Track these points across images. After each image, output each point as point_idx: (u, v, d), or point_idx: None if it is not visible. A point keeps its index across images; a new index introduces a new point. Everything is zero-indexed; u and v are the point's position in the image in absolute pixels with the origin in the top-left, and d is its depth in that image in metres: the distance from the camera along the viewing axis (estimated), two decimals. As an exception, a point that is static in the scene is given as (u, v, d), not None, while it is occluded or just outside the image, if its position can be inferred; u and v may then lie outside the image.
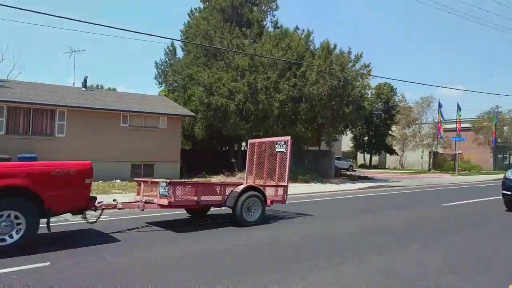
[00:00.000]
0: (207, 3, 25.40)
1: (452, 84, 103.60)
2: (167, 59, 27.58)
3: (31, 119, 17.07)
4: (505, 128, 36.63)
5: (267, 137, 20.13)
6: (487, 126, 34.40)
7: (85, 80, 21.84)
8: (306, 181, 17.47)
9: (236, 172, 18.76)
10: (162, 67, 27.09)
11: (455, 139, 28.46)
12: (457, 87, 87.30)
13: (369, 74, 19.34)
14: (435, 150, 32.49)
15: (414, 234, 6.75)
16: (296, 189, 14.75)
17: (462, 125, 29.57)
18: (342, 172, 23.94)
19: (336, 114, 18.15)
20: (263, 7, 25.78)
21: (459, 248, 5.70)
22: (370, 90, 24.11)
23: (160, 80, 27.38)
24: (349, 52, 19.25)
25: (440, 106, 28.56)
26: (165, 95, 26.89)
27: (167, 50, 27.44)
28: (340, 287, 3.81)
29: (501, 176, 11.73)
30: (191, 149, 25.33)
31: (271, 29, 23.76)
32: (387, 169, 39.60)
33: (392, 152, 39.82)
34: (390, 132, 38.75)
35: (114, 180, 17.56)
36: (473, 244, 6.02)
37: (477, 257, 5.13)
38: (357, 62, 19.23)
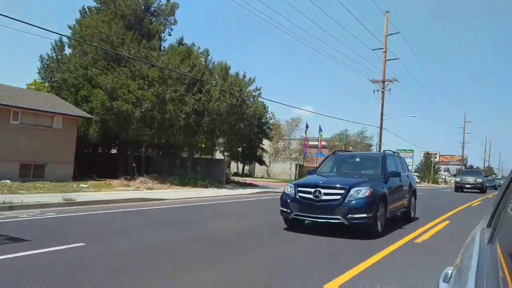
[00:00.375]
0: (106, 6, 25.29)
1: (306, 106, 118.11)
2: (53, 55, 26.17)
3: None
4: (350, 148, 44.77)
5: (169, 143, 21.48)
6: (339, 146, 41.71)
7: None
8: (205, 186, 19.43)
9: (136, 176, 19.51)
10: (48, 62, 25.61)
11: (317, 155, 34.06)
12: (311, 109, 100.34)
13: (260, 96, 22.51)
14: (301, 163, 37.95)
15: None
16: (201, 193, 16.61)
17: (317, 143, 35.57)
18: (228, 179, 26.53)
19: (233, 128, 20.66)
20: (161, 20, 26.94)
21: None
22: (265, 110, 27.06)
23: (44, 75, 25.78)
24: (244, 76, 22.08)
25: (307, 127, 33.92)
26: (47, 91, 25.47)
27: (54, 45, 26.07)
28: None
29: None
30: (85, 151, 24.62)
31: (171, 42, 25.14)
32: (257, 177, 43.99)
33: (262, 162, 44.41)
34: (261, 145, 43.28)
35: (2, 181, 16.49)
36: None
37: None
38: (250, 85, 22.19)
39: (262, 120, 44.01)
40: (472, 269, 1.17)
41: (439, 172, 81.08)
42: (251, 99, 22.05)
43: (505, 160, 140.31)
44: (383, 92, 46.32)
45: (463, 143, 75.93)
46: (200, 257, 5.44)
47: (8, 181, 16.62)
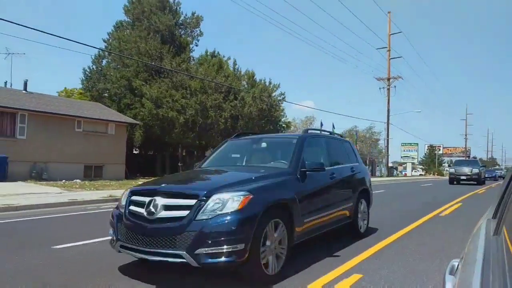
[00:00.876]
0: (139, 21, 28.04)
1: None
2: (94, 67, 28.95)
3: (-4, 121, 17.74)
4: (358, 144, 47.40)
5: (209, 145, 24.17)
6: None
7: (26, 84, 22.36)
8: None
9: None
10: (90, 74, 28.38)
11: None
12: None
13: (284, 100, 25.25)
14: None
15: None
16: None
17: None
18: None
19: (263, 130, 23.40)
20: (188, 31, 29.69)
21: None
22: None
23: (87, 86, 28.55)
24: (270, 82, 24.80)
25: (321, 125, 36.52)
26: (90, 100, 28.24)
27: (94, 58, 28.86)
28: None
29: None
30: (134, 153, 27.41)
31: (200, 53, 27.91)
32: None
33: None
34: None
35: (74, 180, 19.28)
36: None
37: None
38: (275, 91, 24.92)
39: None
40: (478, 261, 1.14)
41: (443, 164, 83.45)
42: (278, 103, 24.78)
43: (508, 151, 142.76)
44: (388, 89, 49.06)
45: (466, 135, 78.61)
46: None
47: (78, 180, 19.42)
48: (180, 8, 29.46)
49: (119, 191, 12.94)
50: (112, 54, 27.52)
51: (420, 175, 73.15)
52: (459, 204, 12.17)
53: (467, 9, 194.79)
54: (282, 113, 25.90)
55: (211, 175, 4.97)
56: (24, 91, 22.17)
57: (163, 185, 4.01)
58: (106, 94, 27.42)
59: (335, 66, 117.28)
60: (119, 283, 3.66)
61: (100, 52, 28.89)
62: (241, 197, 3.50)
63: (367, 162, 50.70)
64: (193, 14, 29.64)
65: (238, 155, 5.89)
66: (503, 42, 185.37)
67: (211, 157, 5.91)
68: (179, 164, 23.60)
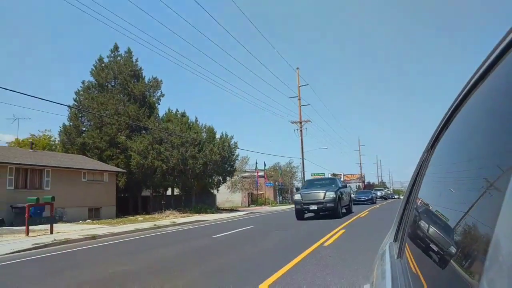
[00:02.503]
0: (111, 85, 33.49)
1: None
2: (70, 123, 33.21)
3: (28, 177, 21.98)
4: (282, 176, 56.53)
5: (188, 187, 30.26)
6: (275, 175, 53.07)
7: (32, 144, 26.42)
8: (212, 212, 28.72)
9: (165, 211, 28.08)
10: (70, 130, 32.60)
11: (267, 184, 44.71)
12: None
13: (237, 147, 32.75)
14: (253, 191, 48.24)
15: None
16: (214, 216, 26.01)
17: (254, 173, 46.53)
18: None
19: (224, 170, 30.48)
20: (152, 93, 35.87)
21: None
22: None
23: (68, 140, 32.57)
24: (226, 134, 32.20)
25: (256, 163, 44.55)
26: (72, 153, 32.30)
27: (71, 116, 33.20)
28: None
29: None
30: (120, 196, 31.79)
31: (164, 111, 34.20)
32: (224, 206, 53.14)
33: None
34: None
35: (86, 220, 23.96)
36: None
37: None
38: (231, 141, 32.34)
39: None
40: (387, 286, 1.18)
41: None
42: (233, 150, 32.22)
43: (394, 174, 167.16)
44: (301, 130, 59.46)
45: (360, 163, 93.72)
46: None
47: (89, 220, 24.16)
48: (143, 73, 35.69)
49: (154, 223, 19.12)
50: (89, 112, 32.38)
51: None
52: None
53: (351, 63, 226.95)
54: (236, 157, 33.27)
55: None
56: (31, 150, 26.18)
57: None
58: (85, 149, 31.93)
59: (258, 112, 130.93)
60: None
61: (74, 110, 33.41)
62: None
63: (289, 191, 59.95)
64: (154, 78, 36.00)
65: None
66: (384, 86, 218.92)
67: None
68: (162, 202, 29.32)
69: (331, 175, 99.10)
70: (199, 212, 28.31)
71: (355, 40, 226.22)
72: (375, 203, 38.79)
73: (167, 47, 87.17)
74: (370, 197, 39.05)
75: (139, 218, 25.22)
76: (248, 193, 47.59)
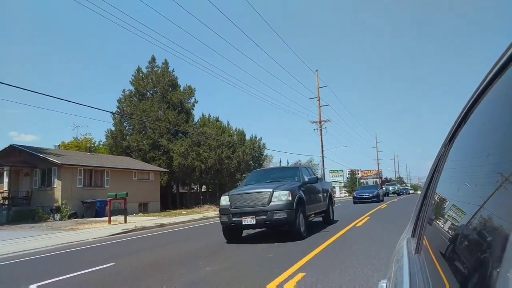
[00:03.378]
0: (150, 93, 37.07)
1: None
2: (114, 129, 36.97)
3: (92, 176, 25.66)
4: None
5: (221, 184, 33.65)
6: (296, 173, 55.99)
7: (89, 148, 30.17)
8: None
9: (203, 205, 31.49)
10: (116, 134, 36.37)
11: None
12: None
13: (266, 148, 35.93)
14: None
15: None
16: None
17: None
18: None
19: (255, 168, 33.69)
20: (187, 99, 39.32)
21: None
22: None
23: (111, 143, 36.36)
24: (256, 136, 35.41)
25: (280, 162, 47.59)
26: (117, 154, 36.06)
27: (116, 122, 36.97)
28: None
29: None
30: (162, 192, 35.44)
31: (199, 116, 37.61)
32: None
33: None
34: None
35: (138, 213, 27.50)
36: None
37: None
38: (260, 142, 35.53)
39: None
40: (405, 281, 1.16)
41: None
42: (261, 150, 35.42)
43: (412, 170, 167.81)
44: (320, 130, 62.19)
45: (377, 159, 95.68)
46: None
47: (140, 213, 27.70)
48: (178, 81, 39.17)
49: (202, 214, 22.52)
50: (133, 119, 36.05)
51: (345, 195, 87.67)
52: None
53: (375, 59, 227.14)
54: (265, 157, 36.50)
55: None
56: (89, 153, 29.99)
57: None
58: (129, 151, 35.66)
59: (279, 113, 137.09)
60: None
61: (117, 116, 37.16)
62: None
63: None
64: (188, 86, 39.43)
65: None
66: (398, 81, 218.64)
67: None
68: (201, 197, 32.75)
69: (348, 171, 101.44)
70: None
71: (370, 35, 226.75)
72: (382, 200, 30.56)
73: (192, 53, 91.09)
74: (375, 193, 29.13)
75: (182, 212, 28.62)
76: (273, 190, 50.87)
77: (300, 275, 5.26)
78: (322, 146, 61.58)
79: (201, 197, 33.30)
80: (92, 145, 50.32)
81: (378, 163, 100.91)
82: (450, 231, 0.96)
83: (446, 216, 1.07)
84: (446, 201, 1.16)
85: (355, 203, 27.21)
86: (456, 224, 0.92)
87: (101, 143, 49.70)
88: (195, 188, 36.43)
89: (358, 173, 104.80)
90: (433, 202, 1.40)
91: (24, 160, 24.06)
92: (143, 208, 29.84)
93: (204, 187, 36.32)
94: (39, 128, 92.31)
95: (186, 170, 32.06)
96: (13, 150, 24.78)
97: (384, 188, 52.77)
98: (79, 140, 51.58)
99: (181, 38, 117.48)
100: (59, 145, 48.64)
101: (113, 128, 36.80)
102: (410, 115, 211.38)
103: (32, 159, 23.98)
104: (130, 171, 28.82)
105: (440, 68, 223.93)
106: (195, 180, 32.26)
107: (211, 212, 27.55)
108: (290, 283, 4.86)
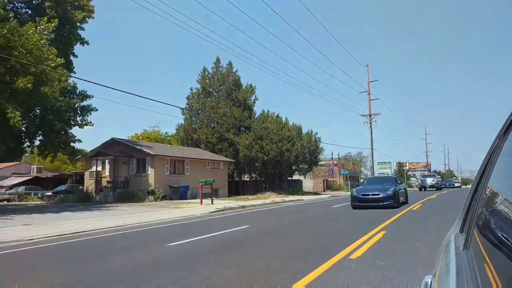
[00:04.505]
0: (215, 91, 41.18)
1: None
2: (185, 123, 41.56)
3: (176, 165, 30.16)
4: (352, 165, 61.67)
5: (281, 174, 37.21)
6: (346, 164, 58.46)
7: (169, 141, 34.86)
8: (302, 194, 35.28)
9: (265, 192, 35.16)
10: (187, 127, 40.91)
11: (343, 172, 50.49)
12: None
13: (321, 142, 38.91)
14: (328, 179, 54.30)
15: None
16: (305, 197, 32.45)
17: (329, 162, 52.25)
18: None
19: (309, 161, 36.82)
20: (250, 97, 43.00)
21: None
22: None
23: (185, 137, 40.97)
24: (312, 131, 38.44)
25: (332, 154, 50.28)
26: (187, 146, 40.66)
27: (187, 117, 41.53)
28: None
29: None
30: (229, 180, 39.70)
31: (259, 112, 41.24)
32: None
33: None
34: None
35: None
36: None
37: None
38: (315, 135, 38.54)
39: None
40: (451, 277, 1.13)
41: (411, 178, 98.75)
42: (318, 144, 38.48)
43: (463, 163, 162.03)
44: (370, 123, 63.67)
45: (426, 152, 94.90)
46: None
47: (215, 198, 31.81)
48: (241, 80, 42.93)
49: (268, 200, 26.06)
50: (201, 114, 40.40)
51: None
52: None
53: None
54: (320, 150, 39.53)
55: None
56: (169, 145, 34.71)
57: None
58: (198, 143, 40.08)
59: (329, 106, 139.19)
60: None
61: (187, 112, 41.68)
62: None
63: (359, 179, 64.93)
64: (250, 85, 43.07)
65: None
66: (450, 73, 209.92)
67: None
68: (264, 185, 36.53)
69: (396, 164, 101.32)
70: (291, 194, 34.98)
71: (421, 26, 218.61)
72: (399, 205, 17.19)
73: (248, 52, 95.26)
74: (389, 194, 16.87)
75: (248, 197, 32.46)
76: (323, 180, 53.59)
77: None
78: (371, 139, 63.16)
79: (263, 185, 37.02)
80: (160, 136, 55.88)
81: (426, 155, 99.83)
82: (502, 227, 0.90)
83: (498, 211, 1.01)
84: (499, 196, 1.09)
85: (354, 207, 17.04)
86: (509, 219, 0.88)
87: (167, 134, 55.15)
88: (255, 177, 40.25)
89: (406, 165, 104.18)
90: (484, 196, 1.31)
91: (123, 151, 28.87)
92: (215, 194, 34.02)
93: (263, 176, 40.08)
94: (110, 121, 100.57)
95: (250, 161, 35.84)
96: (113, 142, 29.70)
97: (420, 181, 45.93)
98: (148, 132, 57.43)
99: (240, 39, 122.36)
100: (132, 136, 54.66)
101: (183, 123, 41.43)
102: (463, 105, 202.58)
103: (130, 150, 28.76)
104: (205, 161, 33.07)
105: (498, 53, 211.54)
106: (257, 170, 35.97)
107: (274, 198, 31.21)
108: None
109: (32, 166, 44.49)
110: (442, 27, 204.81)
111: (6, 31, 15.39)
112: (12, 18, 16.97)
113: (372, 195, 16.54)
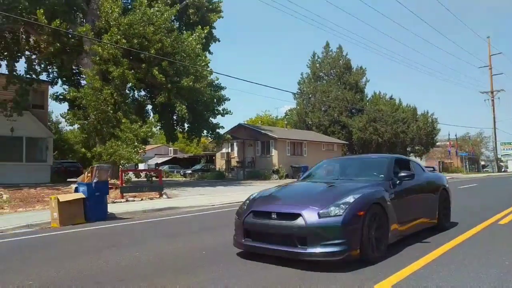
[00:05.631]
0: (326, 75, 42.31)
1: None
2: (298, 107, 43.78)
3: (295, 147, 32.75)
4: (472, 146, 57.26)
5: (396, 152, 37.46)
6: (464, 145, 54.57)
7: (286, 125, 37.53)
8: (419, 176, 35.02)
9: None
10: (300, 112, 43.15)
11: (461, 153, 47.82)
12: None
13: (437, 122, 37.60)
14: (442, 160, 51.84)
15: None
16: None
17: (445, 143, 49.26)
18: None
19: (426, 142, 36.01)
20: (361, 80, 43.16)
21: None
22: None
23: (298, 120, 43.30)
24: (427, 112, 37.31)
25: (449, 135, 47.74)
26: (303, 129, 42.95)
27: (300, 101, 43.69)
28: None
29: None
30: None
31: (371, 93, 41.30)
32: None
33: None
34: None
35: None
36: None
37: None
38: (431, 117, 37.35)
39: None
40: None
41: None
42: (434, 125, 37.34)
43: None
44: (493, 100, 58.02)
45: None
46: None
47: (330, 177, 33.66)
48: (351, 63, 43.31)
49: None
50: (312, 98, 42.13)
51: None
52: None
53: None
54: (438, 131, 38.33)
55: None
56: (286, 129, 37.51)
57: None
58: (310, 125, 42.01)
59: (443, 84, 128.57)
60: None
61: (299, 96, 43.75)
62: None
63: (478, 161, 60.18)
64: (360, 67, 43.19)
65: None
66: None
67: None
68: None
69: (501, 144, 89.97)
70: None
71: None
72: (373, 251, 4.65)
73: (355, 34, 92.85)
74: (336, 213, 3.94)
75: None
76: (439, 162, 51.14)
77: None
78: (494, 118, 57.87)
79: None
80: (271, 119, 59.38)
81: None
82: None
83: None
84: None
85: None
86: None
87: (278, 118, 58.34)
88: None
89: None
90: None
91: (249, 135, 32.32)
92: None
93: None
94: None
95: (364, 143, 36.57)
96: (239, 127, 33.39)
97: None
98: (261, 116, 61.43)
99: (350, 23, 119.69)
100: (247, 120, 59.14)
101: (296, 107, 43.72)
102: None
103: (255, 133, 32.06)
104: (320, 143, 34.94)
105: None
106: (371, 152, 36.52)
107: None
108: None
109: (169, 148, 51.72)
110: None
111: (172, 40, 19.07)
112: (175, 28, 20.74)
113: (278, 215, 4.32)
